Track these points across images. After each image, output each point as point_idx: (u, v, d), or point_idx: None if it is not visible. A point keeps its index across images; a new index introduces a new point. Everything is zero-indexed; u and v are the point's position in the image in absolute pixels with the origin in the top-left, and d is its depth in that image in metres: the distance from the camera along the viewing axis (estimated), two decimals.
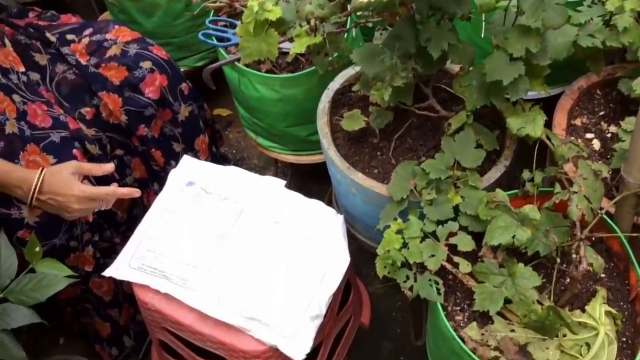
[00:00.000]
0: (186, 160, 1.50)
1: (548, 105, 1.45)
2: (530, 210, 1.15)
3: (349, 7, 1.13)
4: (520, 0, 1.07)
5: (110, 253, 1.58)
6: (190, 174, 1.46)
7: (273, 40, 1.19)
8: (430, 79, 1.35)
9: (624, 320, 1.22)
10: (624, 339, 1.21)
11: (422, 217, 1.27)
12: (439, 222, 1.25)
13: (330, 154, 1.41)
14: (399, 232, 1.24)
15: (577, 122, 1.54)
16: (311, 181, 1.93)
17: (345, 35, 1.27)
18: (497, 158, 1.40)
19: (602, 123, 1.54)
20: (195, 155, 1.72)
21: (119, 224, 1.63)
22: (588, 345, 1.18)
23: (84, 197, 1.30)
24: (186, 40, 2.00)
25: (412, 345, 1.77)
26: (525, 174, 1.31)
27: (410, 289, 1.23)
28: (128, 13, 1.90)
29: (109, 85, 1.50)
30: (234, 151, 2.28)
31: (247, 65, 1.61)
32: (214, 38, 1.68)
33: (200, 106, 1.73)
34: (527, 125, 1.23)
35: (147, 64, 1.54)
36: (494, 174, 1.37)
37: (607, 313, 1.20)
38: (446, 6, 1.13)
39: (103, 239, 1.55)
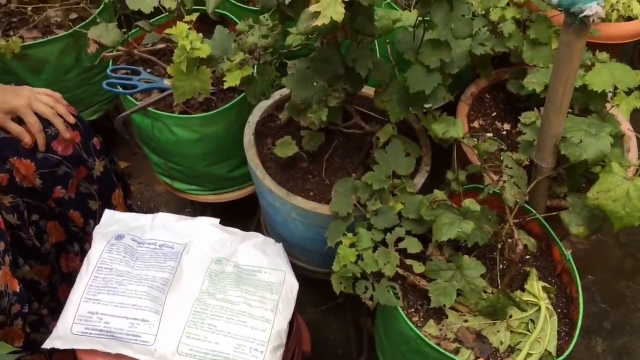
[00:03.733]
0: (109, 214, 1.44)
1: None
2: (470, 203, 1.25)
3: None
4: (432, 15, 1.18)
5: (38, 326, 1.47)
6: (117, 228, 1.41)
7: (205, 77, 1.20)
8: (352, 99, 1.42)
9: (556, 293, 1.35)
10: (559, 310, 1.33)
11: (368, 228, 1.33)
12: (386, 230, 1.31)
13: (266, 183, 1.43)
14: (352, 245, 1.29)
15: (475, 124, 1.70)
16: (231, 217, 1.92)
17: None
18: (417, 165, 1.50)
19: (497, 122, 1.71)
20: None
21: (42, 293, 1.51)
22: (533, 322, 1.30)
23: None
24: (78, 94, 1.92)
25: None
26: (450, 174, 1.42)
27: (371, 298, 1.27)
28: (14, 73, 1.79)
29: (20, 149, 1.41)
30: (139, 203, 2.21)
31: (157, 109, 1.59)
32: (119, 87, 1.64)
33: (111, 160, 1.67)
34: (450, 128, 1.34)
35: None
36: (420, 179, 1.47)
37: (544, 288, 1.33)
38: (366, 29, 1.21)
39: (31, 311, 1.43)
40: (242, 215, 1.96)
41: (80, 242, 1.61)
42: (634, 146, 1.57)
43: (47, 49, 1.78)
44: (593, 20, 1.00)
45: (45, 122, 1.45)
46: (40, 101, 1.40)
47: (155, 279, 1.29)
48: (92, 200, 1.60)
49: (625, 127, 1.56)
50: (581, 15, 1.00)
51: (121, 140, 1.92)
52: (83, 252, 1.61)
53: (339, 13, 0.91)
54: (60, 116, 1.44)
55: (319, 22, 0.93)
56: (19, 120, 1.40)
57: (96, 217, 1.61)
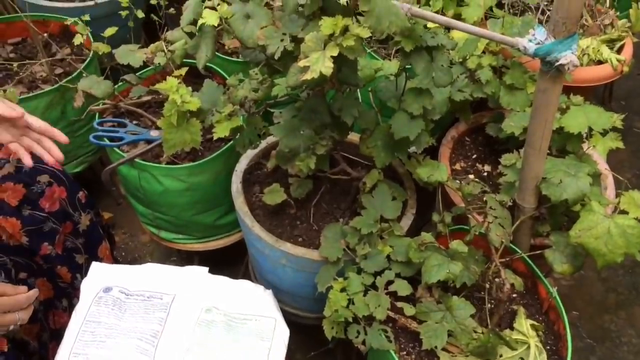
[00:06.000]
0: (96, 267, 1.44)
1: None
2: (458, 245, 1.28)
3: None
4: (414, 65, 1.23)
5: None
6: (104, 280, 1.40)
7: (195, 129, 1.22)
8: (338, 147, 1.46)
9: (544, 330, 1.37)
10: (548, 347, 1.35)
11: (357, 272, 1.34)
12: (376, 274, 1.33)
13: (256, 230, 1.44)
14: (343, 290, 1.30)
15: (457, 166, 1.74)
16: (219, 264, 1.92)
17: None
18: (403, 209, 1.53)
19: (477, 164, 1.75)
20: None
21: (32, 353, 1.49)
22: None
23: None
24: (63, 147, 1.92)
25: None
26: (435, 217, 1.45)
27: (363, 342, 1.28)
28: None
29: (6, 208, 1.41)
30: (123, 253, 2.20)
31: (144, 160, 1.61)
32: (105, 139, 1.65)
33: (97, 212, 1.68)
34: (434, 172, 1.37)
35: (44, 178, 1.48)
36: (407, 222, 1.50)
37: (532, 326, 1.35)
38: (351, 79, 1.26)
39: None
40: (230, 262, 1.97)
41: (68, 297, 1.60)
42: (611, 184, 1.62)
43: (33, 104, 1.79)
44: (568, 68, 1.05)
45: (31, 180, 1.46)
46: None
47: (144, 330, 1.29)
48: (79, 254, 1.60)
49: (602, 166, 1.62)
50: (557, 63, 1.05)
51: (104, 192, 1.92)
52: (71, 308, 1.59)
53: (327, 67, 0.95)
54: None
55: (308, 76, 0.96)
56: None
57: (83, 271, 1.60)
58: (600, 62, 1.81)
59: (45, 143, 1.38)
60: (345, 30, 0.98)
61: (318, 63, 0.96)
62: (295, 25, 1.06)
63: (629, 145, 2.62)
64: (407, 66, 1.27)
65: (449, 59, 1.56)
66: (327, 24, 0.96)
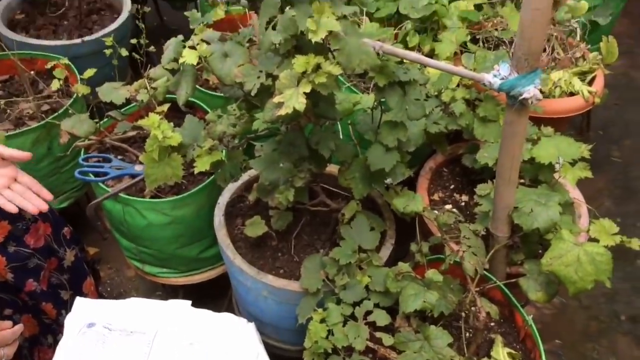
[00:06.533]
0: (80, 302, 1.44)
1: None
2: (433, 274, 1.31)
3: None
4: (387, 100, 1.28)
5: None
6: (88, 316, 1.41)
7: (177, 163, 1.26)
8: (317, 179, 1.50)
9: (521, 358, 1.39)
10: None
11: (337, 302, 1.37)
12: (355, 304, 1.35)
13: (237, 262, 1.47)
14: (322, 320, 1.32)
15: (435, 197, 1.78)
16: (203, 297, 1.93)
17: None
18: (382, 239, 1.56)
19: (455, 194, 1.79)
20: None
21: None
22: None
23: None
24: (49, 183, 1.95)
25: None
26: (413, 247, 1.48)
27: None
28: None
29: None
30: (108, 288, 2.20)
31: (128, 195, 1.64)
32: (90, 175, 1.68)
33: (81, 248, 1.70)
34: (410, 203, 1.41)
35: (29, 214, 1.51)
36: (386, 252, 1.53)
37: (509, 354, 1.37)
38: (327, 113, 1.30)
39: None
40: (214, 294, 1.98)
41: (53, 333, 1.61)
42: (585, 213, 1.66)
43: (19, 140, 1.82)
44: (531, 102, 1.10)
45: (16, 217, 1.48)
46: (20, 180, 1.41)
47: None
48: (64, 290, 1.61)
49: (575, 194, 1.66)
50: (520, 97, 1.10)
51: (90, 226, 1.94)
52: (56, 344, 1.59)
53: (300, 103, 0.99)
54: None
55: (282, 111, 1.00)
56: None
57: (68, 307, 1.61)
58: (572, 94, 1.87)
59: (29, 194, 1.39)
60: (318, 67, 1.02)
61: (292, 99, 1.00)
62: (271, 63, 1.10)
63: (607, 173, 2.67)
64: (382, 100, 1.32)
65: (423, 92, 1.62)
66: (299, 62, 1.01)
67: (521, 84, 1.09)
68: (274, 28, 1.03)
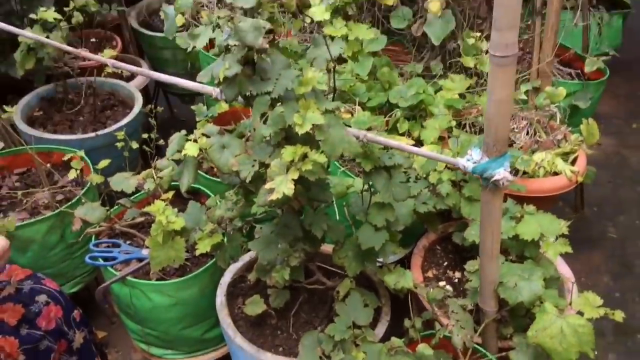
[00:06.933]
0: None
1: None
2: (424, 348, 1.37)
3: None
4: (375, 183, 1.38)
5: None
6: None
7: (179, 246, 1.36)
8: (313, 259, 1.58)
9: None
10: None
11: None
12: None
13: (238, 341, 1.53)
14: None
15: (429, 274, 1.85)
16: None
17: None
18: (378, 315, 1.62)
19: (449, 271, 1.87)
20: None
21: None
22: None
23: None
24: (61, 268, 2.05)
25: None
26: (407, 322, 1.55)
27: None
28: None
29: (5, 327, 1.51)
30: None
31: (135, 278, 1.72)
32: (100, 259, 1.78)
33: (90, 330, 1.76)
34: (401, 279, 1.49)
35: (42, 298, 1.59)
36: (381, 328, 1.59)
37: None
38: (319, 197, 1.41)
39: None
40: None
41: None
42: (574, 288, 1.72)
43: (34, 228, 1.93)
44: (502, 183, 1.20)
45: (30, 300, 1.57)
46: None
47: None
48: None
49: (563, 270, 1.73)
50: (492, 179, 1.20)
51: (99, 310, 2.01)
52: None
53: (289, 189, 1.10)
54: None
55: (273, 196, 1.11)
56: None
57: None
58: (556, 174, 1.97)
59: None
60: (305, 156, 1.14)
61: (282, 185, 1.11)
62: (264, 153, 1.22)
63: (604, 250, 2.73)
64: (370, 183, 1.43)
65: (412, 175, 1.73)
66: (288, 152, 1.13)
67: (491, 167, 1.19)
68: (265, 122, 1.16)
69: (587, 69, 2.51)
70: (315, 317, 1.64)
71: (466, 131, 2.04)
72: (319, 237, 1.41)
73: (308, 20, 1.20)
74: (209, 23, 1.22)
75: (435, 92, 2.07)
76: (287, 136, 1.21)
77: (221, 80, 1.15)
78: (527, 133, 2.05)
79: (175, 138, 1.34)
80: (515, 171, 1.98)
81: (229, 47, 1.14)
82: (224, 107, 2.19)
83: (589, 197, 2.91)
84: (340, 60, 1.33)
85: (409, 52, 2.46)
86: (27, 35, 1.90)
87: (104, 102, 2.68)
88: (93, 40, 3.10)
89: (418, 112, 2.06)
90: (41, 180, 2.13)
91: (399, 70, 2.30)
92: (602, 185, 3.08)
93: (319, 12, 1.18)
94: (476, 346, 1.48)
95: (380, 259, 1.53)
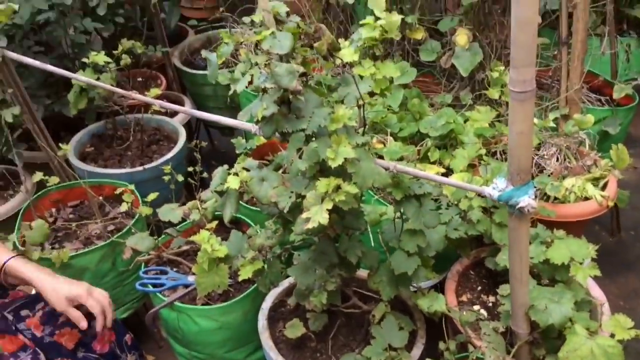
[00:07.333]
0: None
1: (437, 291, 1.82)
2: None
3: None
4: (405, 211, 1.46)
5: None
6: None
7: (223, 273, 1.46)
8: (349, 284, 1.66)
9: None
10: None
11: None
12: None
13: None
14: None
15: (464, 298, 1.91)
16: None
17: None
18: (413, 338, 1.69)
19: (482, 295, 1.91)
20: None
21: None
22: None
23: None
24: (113, 295, 2.16)
25: None
26: (441, 345, 1.60)
27: None
28: None
29: (63, 351, 1.62)
30: None
31: (182, 303, 1.83)
32: (149, 286, 1.89)
33: (140, 354, 1.87)
34: (434, 303, 1.55)
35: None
36: (417, 351, 1.65)
37: None
38: (353, 225, 1.49)
39: None
40: None
41: None
42: (607, 310, 1.75)
43: (87, 257, 2.06)
44: (528, 210, 1.26)
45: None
46: (94, 296, 1.61)
47: None
48: None
49: (595, 292, 1.76)
50: (517, 207, 1.27)
51: (148, 335, 2.12)
52: None
53: (324, 218, 1.19)
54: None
55: (310, 225, 1.20)
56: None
57: None
58: (587, 199, 2.01)
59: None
60: (338, 188, 1.23)
61: (317, 215, 1.20)
62: (300, 185, 1.31)
63: None
64: (401, 211, 1.50)
65: (444, 202, 1.79)
66: (321, 185, 1.22)
67: (516, 195, 1.26)
68: (300, 157, 1.26)
69: (615, 95, 2.54)
70: (352, 340, 1.71)
71: (497, 158, 2.10)
72: (354, 263, 1.49)
73: (338, 61, 1.30)
74: (247, 61, 1.33)
75: (465, 121, 2.15)
76: (321, 169, 1.30)
77: (259, 119, 1.26)
78: (557, 159, 2.10)
79: (218, 172, 1.45)
80: (546, 197, 2.03)
81: (266, 88, 1.25)
82: (261, 140, 2.30)
83: (625, 220, 2.91)
84: (372, 93, 1.42)
85: (439, 83, 2.54)
86: (80, 78, 2.05)
87: (151, 137, 2.84)
88: (140, 79, 3.29)
89: (449, 141, 2.13)
90: (94, 212, 2.27)
91: (430, 101, 2.39)
92: (639, 209, 3.07)
93: (348, 54, 1.27)
94: None
95: (415, 284, 1.60)
